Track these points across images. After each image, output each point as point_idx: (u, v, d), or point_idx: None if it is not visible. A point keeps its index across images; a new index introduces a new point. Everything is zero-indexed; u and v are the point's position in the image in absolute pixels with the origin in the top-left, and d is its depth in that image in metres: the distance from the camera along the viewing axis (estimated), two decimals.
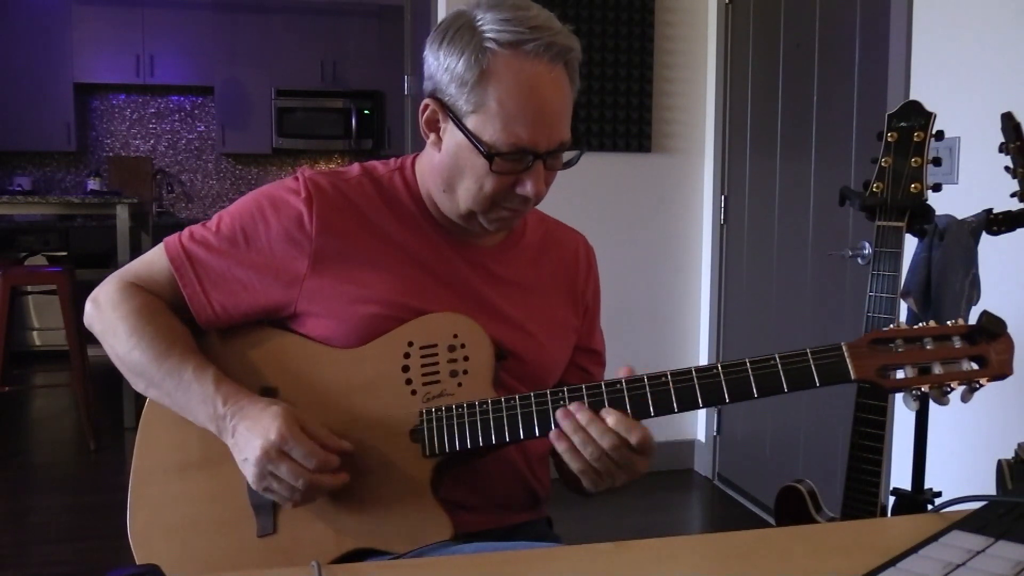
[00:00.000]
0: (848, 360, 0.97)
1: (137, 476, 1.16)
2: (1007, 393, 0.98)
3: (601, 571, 0.84)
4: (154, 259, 1.18)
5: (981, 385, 0.95)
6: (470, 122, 1.07)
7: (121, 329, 1.13)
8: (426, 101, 1.12)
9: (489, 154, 1.06)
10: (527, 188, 1.08)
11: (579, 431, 1.00)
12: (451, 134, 1.10)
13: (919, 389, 0.96)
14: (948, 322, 0.97)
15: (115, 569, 0.79)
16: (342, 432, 1.08)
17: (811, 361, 0.98)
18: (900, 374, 0.97)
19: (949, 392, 0.96)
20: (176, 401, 1.11)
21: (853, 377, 0.96)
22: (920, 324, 0.97)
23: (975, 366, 0.95)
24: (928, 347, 0.96)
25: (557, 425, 1.02)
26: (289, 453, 1.02)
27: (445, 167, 1.12)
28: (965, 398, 0.96)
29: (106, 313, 1.16)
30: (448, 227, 1.19)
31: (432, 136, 1.13)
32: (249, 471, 1.04)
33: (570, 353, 1.29)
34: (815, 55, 2.90)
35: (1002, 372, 0.95)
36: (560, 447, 1.01)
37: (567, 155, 1.13)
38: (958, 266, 1.48)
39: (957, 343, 0.96)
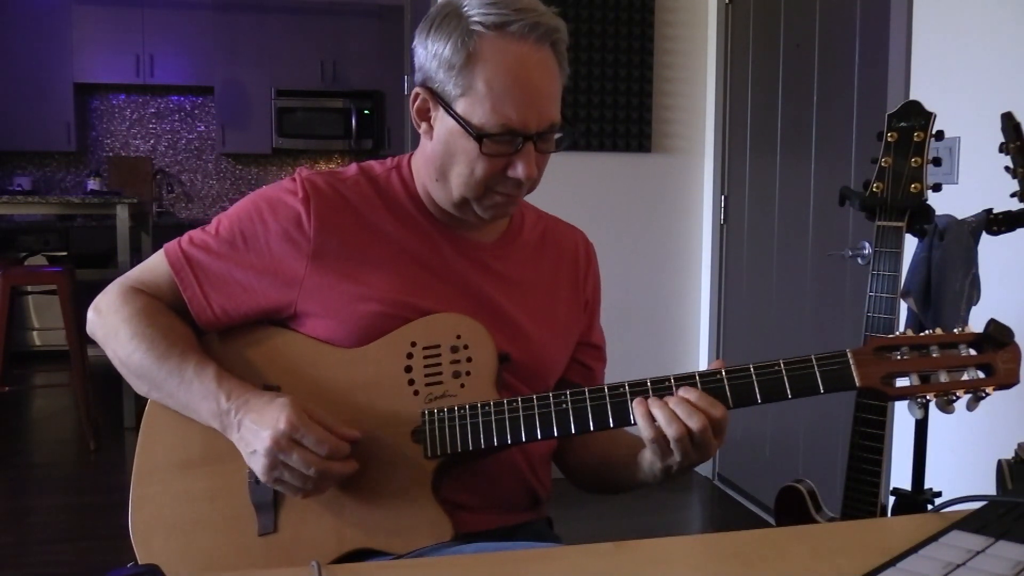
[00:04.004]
0: (853, 368, 0.96)
1: (138, 474, 1.16)
2: (1007, 393, 0.98)
3: (601, 571, 0.84)
4: (154, 265, 1.18)
5: (987, 394, 0.94)
6: (459, 106, 1.07)
7: (123, 332, 1.14)
8: (416, 90, 1.12)
9: (479, 136, 1.06)
10: (519, 171, 1.09)
11: (663, 408, 0.99)
12: (441, 121, 1.10)
13: (924, 397, 0.96)
14: (955, 329, 0.96)
15: (115, 569, 0.79)
16: None
17: (816, 368, 0.97)
18: (905, 381, 0.96)
19: (955, 401, 0.95)
20: (179, 401, 1.11)
21: (858, 385, 0.96)
22: (926, 332, 0.97)
23: (981, 374, 0.95)
24: (934, 355, 0.95)
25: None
26: (300, 441, 1.02)
27: (437, 155, 1.12)
28: (971, 407, 0.96)
29: (108, 318, 1.16)
30: (446, 223, 1.19)
31: (424, 125, 1.14)
32: (258, 463, 1.04)
33: (571, 350, 1.29)
34: (815, 55, 2.91)
35: (1009, 381, 0.94)
36: (639, 412, 1.01)
37: (557, 136, 1.13)
38: (958, 266, 1.48)
39: (963, 351, 0.95)
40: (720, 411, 0.99)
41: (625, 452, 1.16)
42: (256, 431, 1.04)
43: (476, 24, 1.05)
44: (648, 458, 1.07)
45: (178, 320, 1.16)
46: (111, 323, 1.15)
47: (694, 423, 0.98)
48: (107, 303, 1.17)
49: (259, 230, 1.15)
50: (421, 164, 1.18)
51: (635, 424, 1.03)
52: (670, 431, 0.99)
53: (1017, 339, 0.96)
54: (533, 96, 1.07)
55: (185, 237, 1.18)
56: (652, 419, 1.00)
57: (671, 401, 1.00)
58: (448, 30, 1.07)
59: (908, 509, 1.53)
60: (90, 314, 1.19)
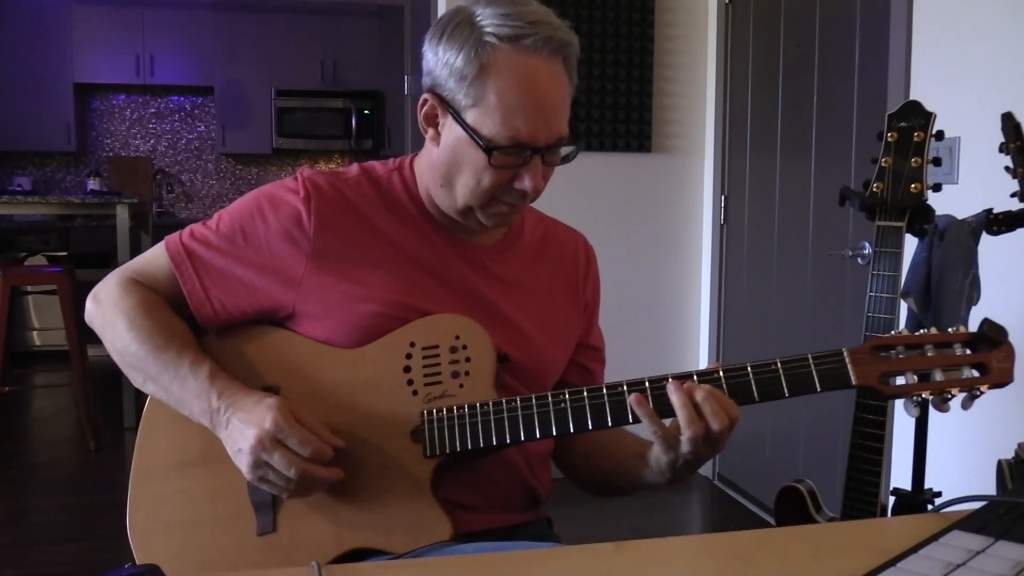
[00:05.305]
0: (849, 366, 0.97)
1: (137, 474, 1.16)
2: (1007, 393, 0.98)
3: (601, 571, 0.84)
4: (155, 256, 1.19)
5: (982, 392, 0.95)
6: (469, 116, 1.07)
7: (120, 323, 1.14)
8: (425, 96, 1.12)
9: (488, 148, 1.06)
10: (525, 183, 1.09)
11: (687, 406, 0.98)
12: (450, 129, 1.10)
13: (920, 396, 0.96)
14: (950, 329, 0.97)
15: (114, 569, 0.79)
16: (343, 431, 1.08)
17: (812, 366, 0.98)
18: (901, 380, 0.97)
19: (950, 399, 0.96)
20: (172, 395, 1.12)
21: (854, 383, 0.97)
22: (922, 330, 0.97)
23: (976, 373, 0.95)
24: (929, 354, 0.96)
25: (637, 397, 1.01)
26: (283, 441, 1.02)
27: (443, 162, 1.12)
28: (965, 405, 0.96)
29: (106, 308, 1.16)
30: (447, 226, 1.19)
31: (430, 131, 1.14)
32: (243, 461, 1.04)
33: (570, 352, 1.29)
34: (815, 55, 2.90)
35: (1003, 380, 0.95)
36: (643, 416, 1.00)
37: (564, 150, 1.13)
38: (958, 266, 1.48)
39: (958, 350, 0.96)
40: (736, 412, 0.99)
41: (629, 452, 1.16)
42: (242, 429, 1.04)
43: (489, 35, 1.05)
44: (655, 453, 1.07)
45: (176, 315, 1.16)
46: (109, 314, 1.16)
47: (716, 423, 0.98)
48: (106, 293, 1.17)
49: (259, 227, 1.15)
50: (426, 168, 1.18)
51: (633, 423, 1.03)
52: (688, 432, 0.99)
53: (1014, 338, 0.96)
54: (544, 110, 1.07)
55: (186, 230, 1.19)
56: (656, 414, 1.00)
57: (698, 395, 0.99)
58: (461, 39, 1.07)
59: (908, 509, 1.53)
60: (89, 303, 1.19)
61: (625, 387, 1.02)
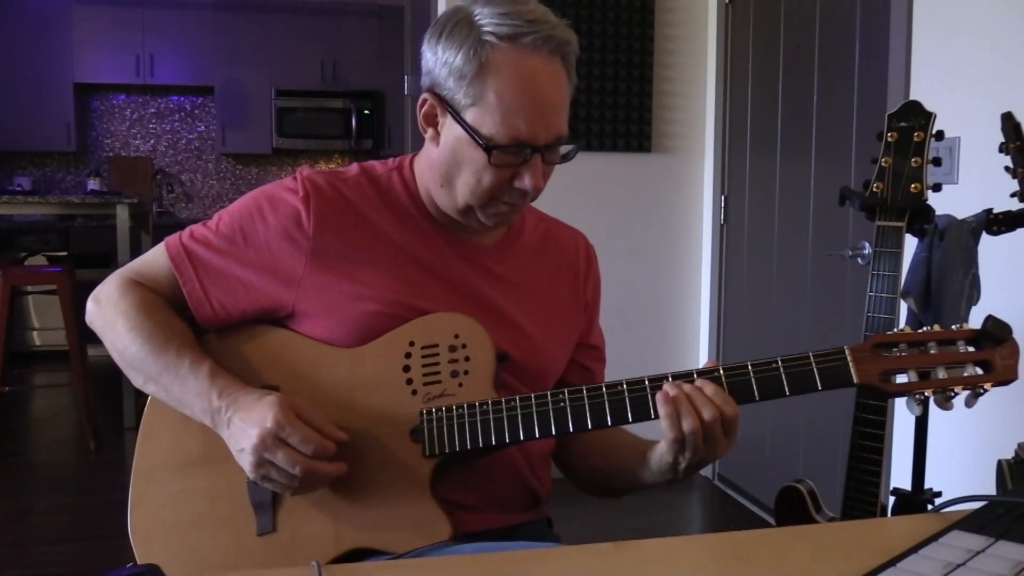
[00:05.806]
0: (851, 364, 0.96)
1: (138, 474, 1.16)
2: (1008, 393, 0.98)
3: (601, 571, 0.84)
4: (155, 257, 1.19)
5: (985, 390, 0.94)
6: (468, 115, 1.07)
7: (120, 324, 1.14)
8: (424, 96, 1.12)
9: (488, 147, 1.06)
10: (525, 182, 1.09)
11: (683, 401, 0.99)
12: (449, 128, 1.10)
13: (922, 394, 0.96)
14: (953, 326, 0.96)
15: (114, 569, 0.79)
16: (342, 431, 1.08)
17: (813, 365, 0.97)
18: (903, 378, 0.96)
19: (953, 397, 0.95)
20: (173, 395, 1.12)
21: (856, 381, 0.96)
22: (924, 328, 0.97)
23: (979, 371, 0.94)
24: (932, 351, 0.95)
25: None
26: (286, 440, 1.02)
27: (443, 162, 1.12)
28: (969, 403, 0.96)
29: (106, 310, 1.17)
30: (447, 225, 1.19)
31: (430, 131, 1.14)
32: (246, 460, 1.04)
33: (571, 352, 1.29)
34: (815, 55, 2.90)
35: (1007, 378, 0.94)
36: (664, 411, 1.00)
37: (564, 148, 1.13)
38: (958, 266, 1.48)
39: (962, 347, 0.95)
40: (733, 409, 0.99)
41: (628, 451, 1.16)
42: (244, 428, 1.04)
43: (488, 34, 1.05)
44: (661, 449, 1.05)
45: (176, 316, 1.16)
46: (109, 314, 1.16)
47: (706, 413, 0.98)
48: (106, 294, 1.18)
49: (259, 227, 1.15)
50: (425, 168, 1.18)
51: (633, 421, 1.03)
52: (685, 424, 0.98)
53: (1016, 338, 0.96)
54: (543, 109, 1.07)
55: (186, 231, 1.19)
56: (677, 416, 0.99)
57: (686, 387, 0.99)
58: (459, 38, 1.07)
59: (908, 509, 1.53)
60: (89, 304, 1.20)
61: (624, 386, 1.02)
